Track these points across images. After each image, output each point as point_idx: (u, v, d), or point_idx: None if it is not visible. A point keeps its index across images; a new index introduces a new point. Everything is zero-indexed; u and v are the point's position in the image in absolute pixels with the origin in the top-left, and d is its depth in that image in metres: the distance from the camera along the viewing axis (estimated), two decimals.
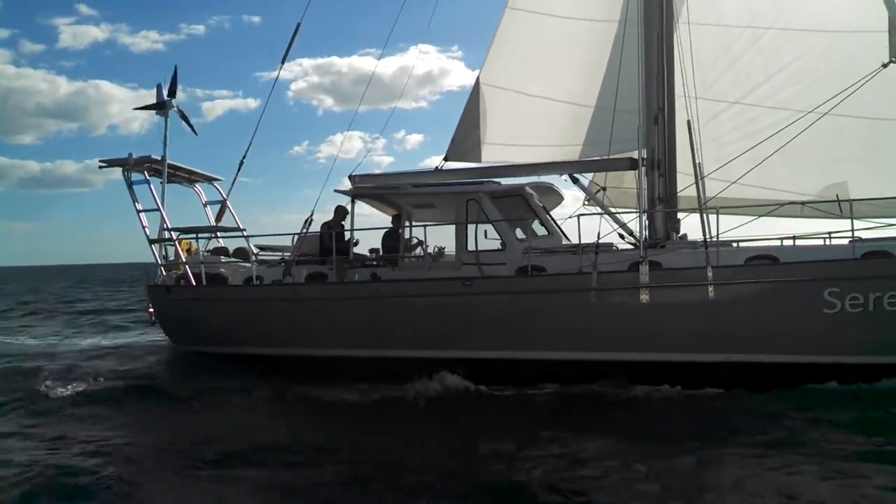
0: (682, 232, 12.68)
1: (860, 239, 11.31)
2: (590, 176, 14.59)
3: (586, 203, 14.30)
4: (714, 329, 10.85)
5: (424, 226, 13.62)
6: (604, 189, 14.15)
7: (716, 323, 10.82)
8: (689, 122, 12.12)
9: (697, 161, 12.32)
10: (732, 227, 11.72)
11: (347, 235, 13.70)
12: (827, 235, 11.98)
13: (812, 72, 13.09)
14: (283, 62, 16.07)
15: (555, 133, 14.36)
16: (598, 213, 12.87)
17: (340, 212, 14.00)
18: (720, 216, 11.90)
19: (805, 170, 13.05)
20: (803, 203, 11.96)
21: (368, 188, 13.81)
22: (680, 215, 12.91)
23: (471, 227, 12.67)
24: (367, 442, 9.41)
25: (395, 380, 11.57)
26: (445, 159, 14.90)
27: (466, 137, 14.70)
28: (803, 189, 13.10)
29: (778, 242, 12.08)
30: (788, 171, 13.03)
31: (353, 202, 13.72)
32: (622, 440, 8.85)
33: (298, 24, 15.55)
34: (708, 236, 11.35)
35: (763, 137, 12.46)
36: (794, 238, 11.97)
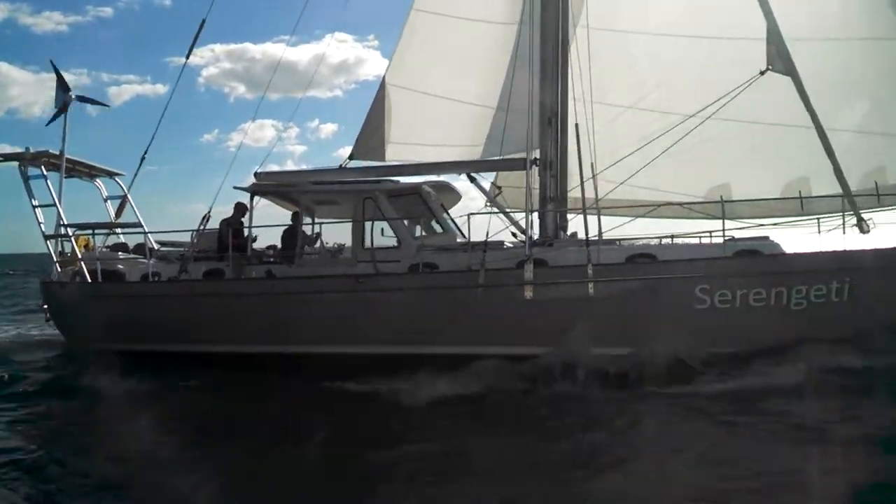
0: (571, 231, 13.01)
1: (733, 238, 11.83)
2: (492, 176, 14.88)
3: (487, 203, 14.57)
4: (595, 324, 11.17)
5: (321, 223, 13.76)
6: (500, 189, 14.46)
7: (596, 318, 11.14)
8: (577, 125, 12.45)
9: (590, 162, 12.73)
10: (617, 226, 12.18)
11: (248, 231, 13.71)
12: (707, 234, 12.45)
13: (701, 78, 13.55)
14: (188, 57, 16.08)
15: (458, 133, 14.66)
16: (488, 213, 13.13)
17: (240, 208, 13.98)
18: (613, 216, 12.34)
19: (692, 172, 13.59)
20: (681, 204, 12.43)
21: (268, 185, 13.85)
22: (572, 215, 13.29)
23: (368, 225, 12.80)
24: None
25: (291, 376, 11.66)
26: (351, 157, 15.09)
27: (371, 136, 14.92)
28: (690, 190, 13.63)
29: (667, 241, 12.56)
30: (677, 173, 13.57)
31: (252, 198, 13.73)
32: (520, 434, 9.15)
33: (204, 21, 15.50)
34: (593, 235, 11.71)
35: (654, 142, 12.97)
36: (672, 237, 12.40)
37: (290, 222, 13.89)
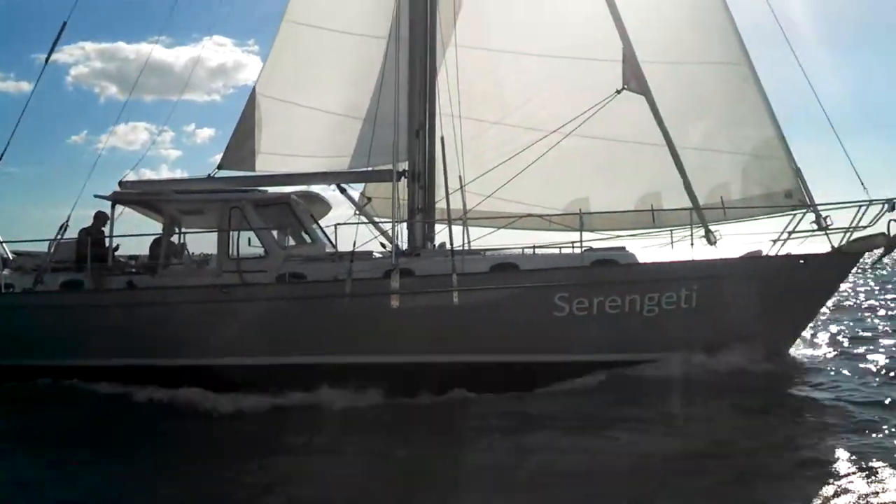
0: (439, 242, 13.27)
1: (591, 249, 12.39)
2: (361, 187, 14.99)
3: (356, 213, 14.65)
4: (459, 333, 11.43)
5: (184, 233, 13.45)
6: (369, 199, 14.60)
7: (460, 327, 11.39)
8: (442, 138, 12.76)
9: (459, 174, 13.06)
10: (481, 236, 12.55)
11: (110, 241, 13.26)
12: (569, 245, 12.95)
13: (564, 96, 14.09)
14: (46, 61, 15.49)
15: (329, 144, 14.66)
16: (356, 223, 13.20)
17: (100, 217, 13.51)
18: (479, 227, 12.67)
19: (554, 186, 14.13)
20: (541, 216, 12.90)
21: (130, 194, 13.47)
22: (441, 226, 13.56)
23: (234, 235, 12.64)
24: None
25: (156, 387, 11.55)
26: (219, 167, 14.84)
27: (241, 146, 14.74)
28: (553, 203, 14.15)
29: (529, 251, 12.99)
30: (541, 187, 14.07)
31: (113, 207, 13.29)
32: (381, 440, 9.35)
33: (65, 23, 14.93)
34: (459, 246, 12.01)
35: (521, 156, 13.42)
36: (533, 248, 12.86)
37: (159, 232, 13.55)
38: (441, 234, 13.46)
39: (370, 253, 12.72)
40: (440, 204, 13.26)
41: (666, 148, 12.32)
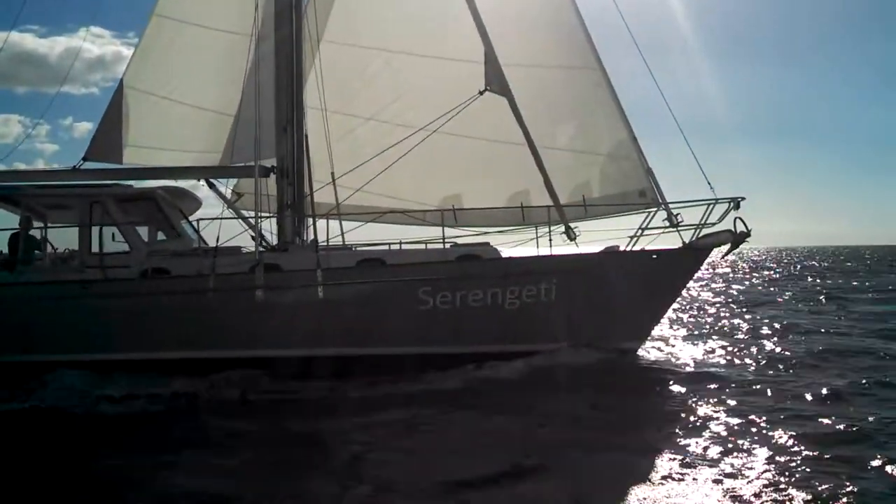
0: (311, 236, 13.40)
1: (456, 244, 12.81)
2: (233, 182, 14.96)
3: (225, 208, 14.59)
4: (324, 326, 11.64)
5: (44, 228, 13.09)
6: (239, 195, 14.60)
7: (325, 320, 11.60)
8: (306, 135, 13.00)
9: (330, 170, 13.24)
10: (351, 229, 12.88)
11: None
12: (441, 241, 13.29)
13: (432, 94, 14.41)
14: None
15: (199, 139, 14.55)
16: (219, 218, 13.18)
17: None
18: (349, 221, 12.90)
19: (428, 183, 14.54)
20: (404, 211, 13.29)
21: None
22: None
23: (97, 230, 12.43)
24: None
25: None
26: (84, 159, 14.48)
27: (107, 137, 14.43)
28: (426, 199, 14.57)
29: (395, 246, 13.31)
30: (415, 183, 14.45)
31: None
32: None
33: None
34: (331, 240, 12.21)
35: (393, 152, 13.71)
36: (400, 243, 13.20)
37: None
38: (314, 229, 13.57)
39: (238, 248, 12.74)
40: (315, 198, 13.40)
41: (538, 148, 12.92)
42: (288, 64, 13.39)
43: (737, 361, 13.52)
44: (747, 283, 41.08)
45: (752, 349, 14.79)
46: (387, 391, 11.11)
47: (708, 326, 18.97)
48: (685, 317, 21.35)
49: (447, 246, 12.67)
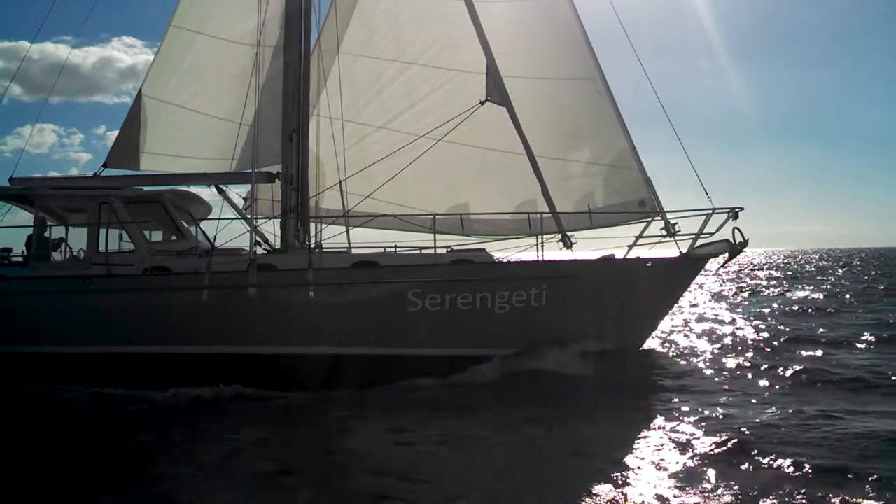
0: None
1: (451, 249, 12.99)
2: (246, 188, 15.43)
3: (234, 212, 15.04)
4: (316, 325, 11.87)
5: (65, 227, 13.70)
6: (245, 199, 15.02)
7: (317, 319, 11.83)
8: (304, 142, 13.30)
9: (340, 178, 13.68)
10: (357, 236, 13.14)
11: None
12: (445, 247, 13.48)
13: (444, 105, 14.71)
14: None
15: (212, 147, 15.02)
16: (215, 219, 13.56)
17: None
18: (351, 226, 13.24)
19: (435, 190, 14.77)
20: (398, 216, 13.50)
21: (3, 188, 13.69)
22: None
23: (104, 230, 12.92)
24: None
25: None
26: (104, 166, 15.07)
27: (126, 145, 14.99)
28: (433, 207, 14.66)
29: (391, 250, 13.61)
30: (422, 190, 14.70)
31: None
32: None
33: None
34: (342, 245, 12.57)
35: (402, 160, 14.02)
36: (395, 247, 13.44)
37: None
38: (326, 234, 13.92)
39: (238, 249, 13.08)
40: (323, 204, 13.82)
41: (543, 158, 13.06)
42: (295, 74, 13.77)
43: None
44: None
45: None
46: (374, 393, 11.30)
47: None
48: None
49: (444, 251, 12.85)
